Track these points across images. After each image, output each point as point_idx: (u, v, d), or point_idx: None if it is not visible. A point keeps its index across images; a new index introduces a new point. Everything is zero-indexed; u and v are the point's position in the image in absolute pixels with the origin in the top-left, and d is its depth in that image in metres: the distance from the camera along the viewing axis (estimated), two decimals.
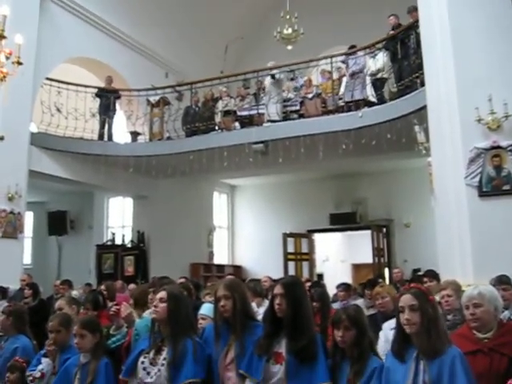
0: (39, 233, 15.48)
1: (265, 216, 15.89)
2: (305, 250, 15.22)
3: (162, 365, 3.38)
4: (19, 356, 4.44)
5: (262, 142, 10.81)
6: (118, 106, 12.61)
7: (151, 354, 3.46)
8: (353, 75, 10.35)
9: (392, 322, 3.52)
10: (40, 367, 4.12)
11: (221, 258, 16.05)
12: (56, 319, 4.25)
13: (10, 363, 4.35)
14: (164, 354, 3.43)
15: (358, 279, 15.47)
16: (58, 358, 4.09)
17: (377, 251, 13.77)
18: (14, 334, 4.84)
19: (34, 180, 10.84)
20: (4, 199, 9.99)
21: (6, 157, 9.81)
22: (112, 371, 3.78)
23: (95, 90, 12.11)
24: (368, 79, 10.23)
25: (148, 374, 3.41)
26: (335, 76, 11.11)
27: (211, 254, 15.39)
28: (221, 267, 15.28)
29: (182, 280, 6.97)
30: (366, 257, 14.32)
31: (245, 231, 16.46)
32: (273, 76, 11.12)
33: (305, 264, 15.03)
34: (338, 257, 17.59)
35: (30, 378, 4.12)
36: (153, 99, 12.34)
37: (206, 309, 3.99)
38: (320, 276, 15.38)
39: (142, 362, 3.45)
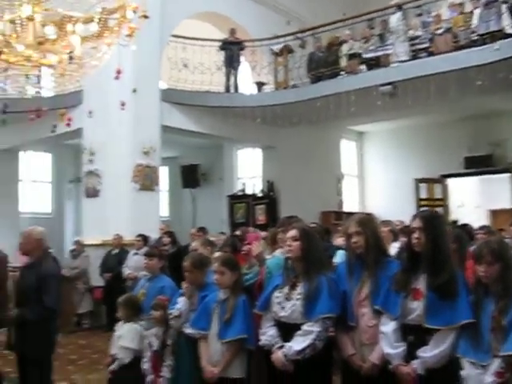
0: (174, 186, 16.25)
1: (395, 162, 15.40)
2: (438, 195, 14.63)
3: (297, 299, 3.40)
4: (163, 295, 4.68)
5: (389, 84, 10.36)
6: (242, 58, 12.67)
7: (286, 290, 3.49)
8: (487, 4, 9.54)
9: None
10: (177, 306, 4.32)
11: (350, 205, 15.86)
12: (189, 260, 4.41)
13: (154, 301, 4.60)
14: (299, 289, 3.44)
15: (496, 226, 14.61)
16: (196, 295, 4.26)
17: None
18: (158, 274, 5.15)
19: (166, 135, 11.30)
20: (140, 154, 10.55)
21: (139, 113, 10.31)
22: (249, 307, 3.87)
23: (219, 44, 12.23)
24: (504, 7, 9.37)
25: (282, 308, 3.45)
26: (467, 8, 10.30)
27: (341, 202, 15.27)
28: (351, 215, 15.05)
29: (313, 225, 6.95)
30: (505, 202, 13.47)
31: (374, 178, 16.11)
32: (399, 7, 10.57)
33: (438, 210, 14.44)
34: (473, 202, 16.70)
35: (171, 315, 4.35)
36: (276, 48, 12.25)
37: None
38: (455, 222, 14.72)
39: (277, 297, 3.50)
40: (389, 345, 3.19)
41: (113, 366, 4.68)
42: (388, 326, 3.22)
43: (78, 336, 9.33)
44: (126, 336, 4.64)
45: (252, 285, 4.38)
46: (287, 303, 3.44)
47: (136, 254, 9.16)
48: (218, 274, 3.94)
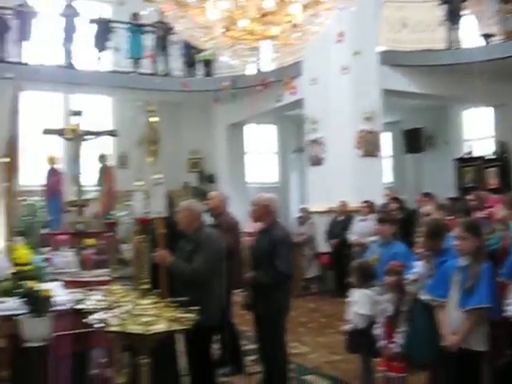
0: (396, 152, 15.84)
1: None
2: None
3: None
4: (396, 260, 4.56)
5: None
6: (465, 10, 11.72)
7: None
8: None
9: None
10: (415, 270, 4.17)
11: None
12: (426, 226, 4.23)
13: (388, 267, 4.50)
14: None
15: None
16: (433, 260, 4.05)
17: None
18: (391, 240, 5.04)
19: (387, 99, 10.99)
20: (362, 120, 10.42)
21: (360, 78, 10.18)
22: (493, 275, 3.57)
23: None
24: None
25: None
26: None
27: None
28: None
29: None
30: None
31: None
32: None
33: None
34: None
35: (406, 280, 4.21)
36: None
37: None
38: None
39: None
40: None
41: (347, 331, 4.73)
42: None
43: (306, 300, 9.65)
44: (359, 302, 4.62)
45: (495, 251, 4.03)
46: None
47: (362, 220, 9.14)
48: (460, 239, 3.69)
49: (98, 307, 2.93)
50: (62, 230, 9.29)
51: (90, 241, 9.13)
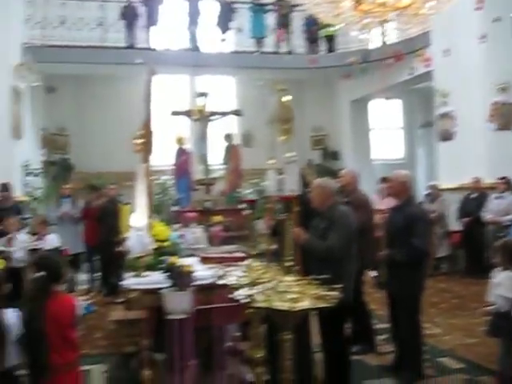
0: None
1: None
2: None
3: None
4: None
5: None
6: None
7: None
8: None
9: None
10: None
11: None
12: None
13: None
14: None
15: None
16: None
17: None
18: None
19: None
20: (496, 91, 9.76)
21: (493, 48, 9.52)
22: None
23: None
24: None
25: None
26: None
27: None
28: None
29: None
30: None
31: None
32: None
33: None
34: None
35: None
36: None
37: None
38: None
39: None
40: None
41: (489, 312, 4.49)
42: None
43: (436, 280, 9.31)
44: (503, 284, 4.35)
45: None
46: None
47: (498, 197, 8.64)
48: None
49: (240, 283, 2.98)
50: (191, 208, 9.63)
51: (218, 218, 9.42)
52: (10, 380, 3.02)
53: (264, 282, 2.84)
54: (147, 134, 5.71)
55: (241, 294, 2.70)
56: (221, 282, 3.28)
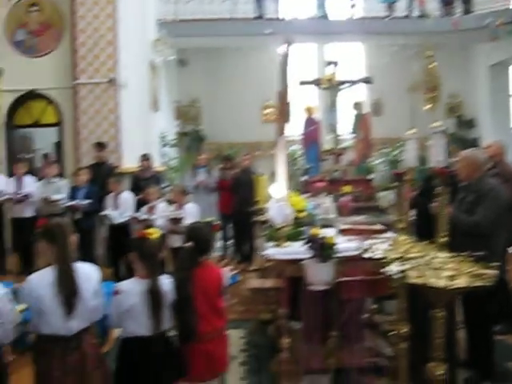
0: None
1: None
2: None
3: None
4: None
5: None
6: None
7: None
8: None
9: None
10: None
11: None
12: None
13: None
14: None
15: None
16: None
17: None
18: None
19: None
20: None
21: None
22: None
23: None
24: None
25: None
26: None
27: None
28: None
29: None
30: None
31: None
32: None
33: None
34: None
35: None
36: None
37: None
38: None
39: None
40: None
41: None
42: None
43: None
44: None
45: None
46: None
47: None
48: None
49: (388, 257, 2.91)
50: (320, 178, 9.61)
51: (347, 188, 9.33)
52: (164, 342, 3.18)
53: (414, 258, 2.76)
54: (284, 105, 5.72)
55: (392, 269, 2.64)
56: (366, 255, 3.22)
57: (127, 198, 7.54)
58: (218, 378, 3.50)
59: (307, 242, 3.90)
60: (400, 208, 3.34)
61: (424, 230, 3.87)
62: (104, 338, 3.39)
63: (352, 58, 13.69)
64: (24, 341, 3.09)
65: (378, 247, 3.22)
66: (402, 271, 2.55)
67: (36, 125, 9.97)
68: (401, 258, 2.82)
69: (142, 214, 7.10)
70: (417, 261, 2.66)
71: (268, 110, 13.62)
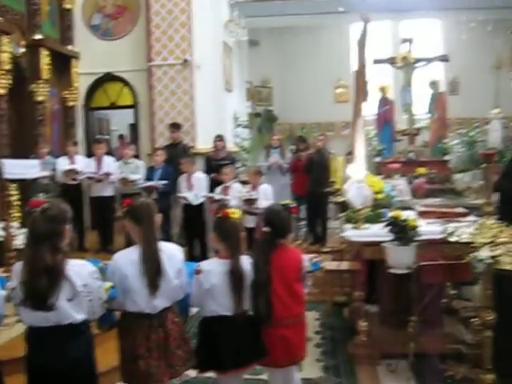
0: None
1: None
2: None
3: None
4: None
5: None
6: None
7: None
8: None
9: None
10: None
11: None
12: None
13: None
14: None
15: None
16: None
17: None
18: None
19: None
20: None
21: None
22: None
23: None
24: None
25: None
26: None
27: None
28: None
29: None
30: None
31: None
32: None
33: None
34: None
35: None
36: None
37: None
38: None
39: None
40: None
41: None
42: None
43: None
44: None
45: None
46: None
47: None
48: None
49: (476, 241, 2.81)
50: (394, 159, 9.40)
51: (422, 169, 9.09)
52: (245, 322, 3.20)
53: (505, 243, 2.65)
54: (361, 84, 5.61)
55: (482, 255, 2.55)
56: (451, 239, 3.12)
57: (200, 178, 7.61)
58: (295, 365, 3.43)
59: (388, 225, 3.81)
60: (488, 191, 3.21)
61: (508, 214, 3.72)
62: (185, 317, 3.44)
63: (428, 35, 13.22)
64: (109, 318, 3.17)
65: (464, 231, 3.12)
66: (493, 257, 2.45)
67: (112, 107, 10.24)
68: (491, 242, 2.72)
69: (217, 195, 7.14)
70: (508, 246, 2.55)
71: (340, 90, 13.42)
